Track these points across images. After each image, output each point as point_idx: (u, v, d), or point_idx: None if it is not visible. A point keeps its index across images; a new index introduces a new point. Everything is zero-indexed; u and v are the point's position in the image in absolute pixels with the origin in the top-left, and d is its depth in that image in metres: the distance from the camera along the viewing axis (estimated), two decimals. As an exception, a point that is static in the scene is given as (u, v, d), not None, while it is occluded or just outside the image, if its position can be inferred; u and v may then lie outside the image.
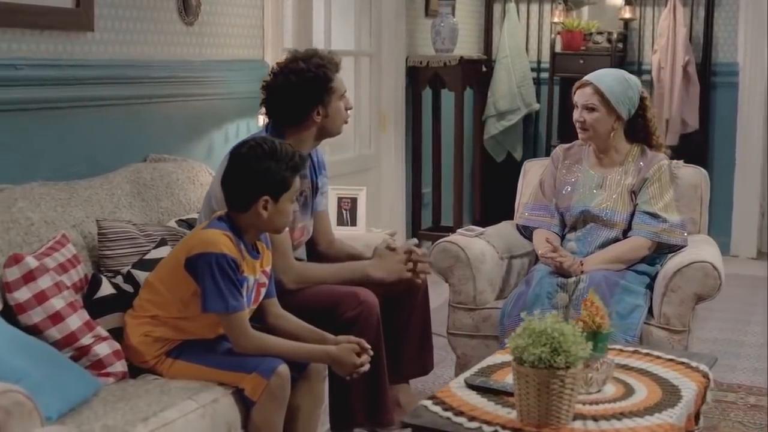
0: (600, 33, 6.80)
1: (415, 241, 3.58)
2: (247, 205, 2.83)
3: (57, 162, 3.41)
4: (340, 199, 4.45)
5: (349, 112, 3.44)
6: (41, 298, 2.72)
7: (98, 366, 2.76)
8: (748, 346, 4.88)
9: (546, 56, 7.10)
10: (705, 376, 2.92)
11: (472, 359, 3.57)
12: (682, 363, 2.98)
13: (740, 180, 6.89)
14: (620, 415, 2.52)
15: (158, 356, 2.86)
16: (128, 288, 3.03)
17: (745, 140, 6.85)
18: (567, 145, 4.05)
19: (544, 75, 7.11)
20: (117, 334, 2.91)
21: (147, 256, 3.14)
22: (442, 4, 6.19)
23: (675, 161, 4.08)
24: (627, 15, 6.88)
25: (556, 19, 6.95)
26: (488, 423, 2.47)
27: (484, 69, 6.87)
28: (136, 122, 3.82)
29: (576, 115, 3.83)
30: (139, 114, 3.84)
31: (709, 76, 6.82)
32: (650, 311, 3.64)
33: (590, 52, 6.75)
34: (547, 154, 4.27)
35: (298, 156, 2.88)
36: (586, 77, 3.82)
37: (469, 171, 6.82)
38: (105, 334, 2.85)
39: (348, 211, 4.45)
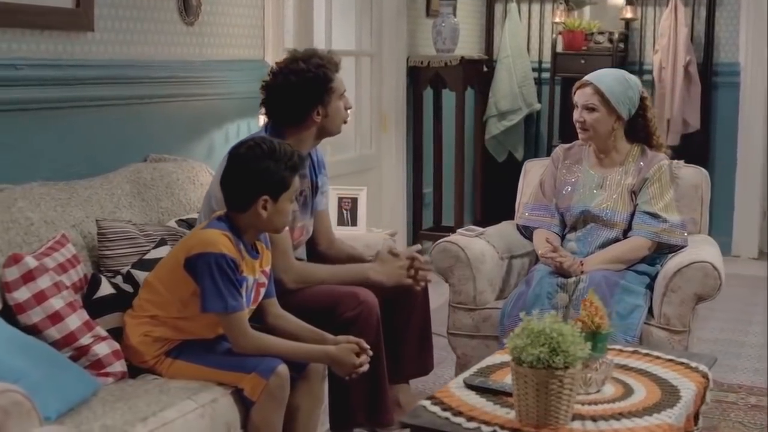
0: (601, 33, 6.80)
1: (419, 247, 3.57)
2: (246, 205, 2.83)
3: (57, 162, 3.41)
4: (340, 199, 4.45)
5: (348, 111, 3.44)
6: (40, 298, 2.72)
7: (97, 366, 2.76)
8: (749, 347, 4.88)
9: (547, 56, 7.10)
10: (704, 376, 2.92)
11: (473, 359, 3.57)
12: (682, 363, 2.98)
13: (741, 180, 6.89)
14: (619, 416, 2.52)
15: (158, 356, 2.86)
16: (128, 288, 3.03)
17: (747, 140, 6.85)
18: (567, 145, 4.04)
19: (546, 75, 7.10)
20: (116, 334, 2.91)
21: (147, 256, 3.14)
22: (443, 4, 6.19)
23: (675, 161, 4.07)
24: (628, 15, 6.87)
25: (557, 19, 6.95)
26: (487, 423, 2.47)
27: (485, 69, 6.86)
28: (136, 122, 3.82)
29: (576, 115, 3.83)
30: (140, 114, 3.85)
31: (711, 76, 6.81)
32: (650, 311, 3.63)
33: (591, 52, 6.75)
34: (549, 154, 4.27)
35: (297, 156, 2.88)
36: (586, 77, 3.82)
37: (470, 171, 6.82)
38: (104, 334, 2.85)
39: (348, 211, 4.45)
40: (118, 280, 3.05)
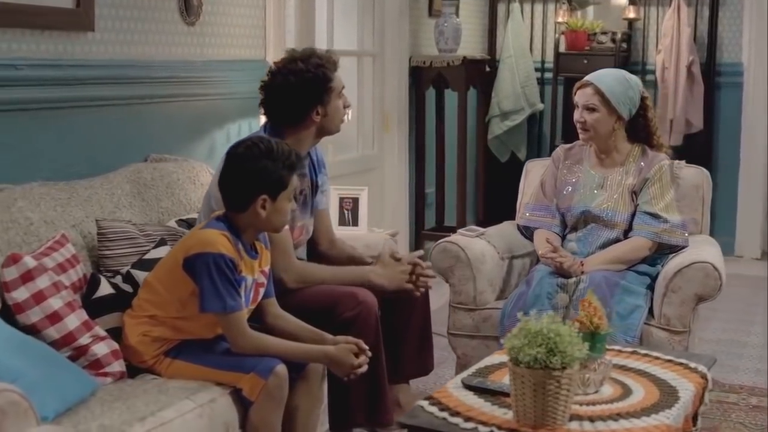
0: (604, 33, 6.79)
1: (421, 252, 3.57)
2: (245, 205, 2.83)
3: (57, 162, 3.41)
4: (341, 199, 4.45)
5: (347, 109, 3.44)
6: (39, 297, 2.72)
7: (96, 366, 2.76)
8: (751, 347, 4.87)
9: (550, 56, 7.10)
10: (703, 377, 2.91)
11: (473, 359, 3.56)
12: (681, 364, 2.98)
13: (744, 180, 6.88)
14: (617, 416, 2.52)
15: (156, 356, 2.86)
16: (127, 288, 3.03)
17: (750, 140, 6.84)
18: (568, 146, 4.04)
19: (548, 75, 7.11)
20: (116, 334, 2.91)
21: (146, 256, 3.14)
22: (445, 4, 6.18)
23: (677, 161, 4.07)
24: (631, 15, 6.87)
25: (560, 19, 6.94)
26: (484, 423, 2.47)
27: (487, 69, 6.86)
28: (136, 122, 3.82)
29: (577, 115, 3.82)
30: (140, 114, 3.85)
31: (714, 76, 6.81)
32: (651, 312, 3.63)
33: (594, 52, 6.74)
34: (551, 154, 4.26)
35: (295, 154, 2.88)
36: (587, 77, 3.82)
37: (472, 171, 6.82)
38: (103, 333, 2.85)
39: (350, 211, 4.45)
40: (118, 280, 3.06)
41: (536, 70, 7.12)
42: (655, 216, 3.74)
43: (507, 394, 2.55)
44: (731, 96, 6.85)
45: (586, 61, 6.56)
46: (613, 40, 6.74)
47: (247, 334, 2.82)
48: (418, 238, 6.30)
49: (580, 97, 3.80)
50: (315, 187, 3.50)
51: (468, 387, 2.71)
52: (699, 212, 4.07)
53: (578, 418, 2.49)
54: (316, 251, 3.60)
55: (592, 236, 3.81)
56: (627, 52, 6.91)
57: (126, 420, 2.46)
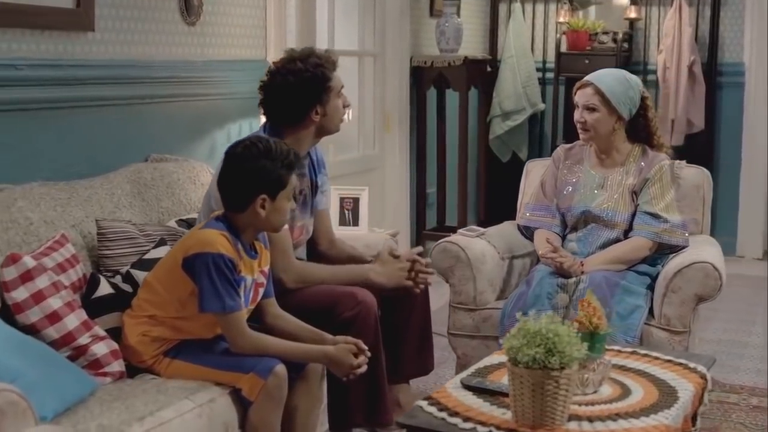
0: (605, 33, 6.79)
1: (420, 249, 3.56)
2: (244, 205, 2.83)
3: (57, 162, 3.42)
4: (342, 199, 4.45)
5: (347, 109, 3.44)
6: (38, 297, 2.73)
7: (95, 365, 2.76)
8: (752, 347, 4.87)
9: (551, 56, 7.09)
10: (703, 377, 2.91)
11: (473, 359, 3.56)
12: (680, 364, 2.98)
13: (746, 180, 6.87)
14: (616, 416, 2.52)
15: (156, 356, 2.87)
16: (127, 288, 3.03)
17: (751, 140, 6.83)
18: (568, 145, 4.04)
19: (550, 75, 7.10)
20: (115, 333, 2.91)
21: (146, 256, 3.14)
22: (446, 4, 6.18)
23: (677, 161, 4.07)
24: (632, 15, 6.87)
25: (561, 19, 6.94)
26: (483, 424, 2.46)
27: (488, 69, 6.86)
28: (137, 122, 3.83)
29: (577, 115, 3.82)
30: (141, 114, 3.85)
31: (715, 76, 6.80)
32: (651, 312, 3.63)
33: (596, 52, 6.74)
34: (552, 154, 4.26)
35: (293, 153, 2.88)
36: (587, 77, 3.82)
37: (473, 171, 6.81)
38: (102, 333, 2.85)
39: (350, 211, 4.45)
40: (117, 279, 3.06)
41: (537, 70, 7.11)
42: (655, 216, 3.74)
43: (506, 395, 2.55)
44: (733, 96, 6.84)
45: (587, 61, 6.55)
46: (615, 40, 6.74)
47: (247, 334, 2.82)
48: (419, 238, 6.30)
49: (581, 97, 3.80)
50: (315, 188, 3.51)
51: (467, 387, 2.71)
52: (699, 212, 4.07)
53: (577, 418, 2.49)
54: (315, 251, 3.60)
55: (593, 236, 3.81)
56: (628, 52, 6.90)
57: (125, 420, 2.46)
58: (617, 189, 3.81)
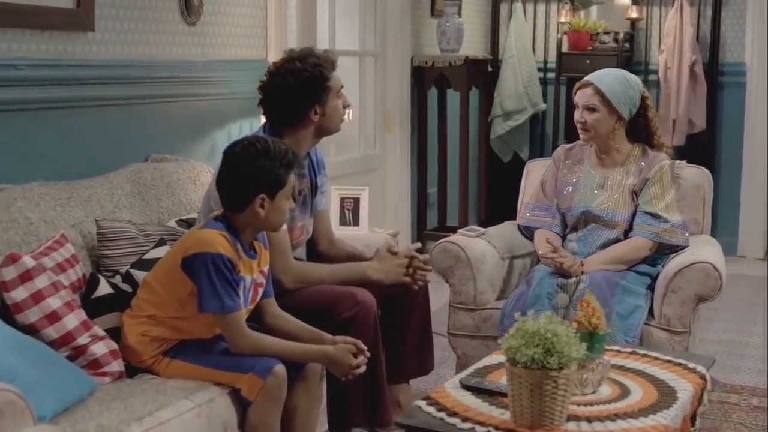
0: (606, 33, 6.79)
1: (418, 245, 3.56)
2: (243, 205, 2.83)
3: (57, 162, 3.42)
4: (342, 199, 4.45)
5: (347, 109, 3.44)
6: (38, 297, 2.73)
7: (95, 365, 2.77)
8: (753, 347, 4.86)
9: (552, 56, 7.09)
10: (702, 377, 2.91)
11: (473, 359, 3.56)
12: (680, 364, 2.97)
13: (747, 180, 6.87)
14: (614, 417, 2.52)
15: (155, 356, 2.87)
16: (126, 288, 3.03)
17: (753, 140, 6.83)
18: (569, 145, 4.04)
19: (551, 75, 7.10)
20: (115, 333, 2.92)
21: (146, 256, 3.14)
22: (447, 4, 6.18)
23: (678, 161, 4.07)
24: (634, 15, 6.86)
25: (562, 19, 6.94)
26: (481, 424, 2.46)
27: (489, 69, 6.85)
28: (137, 122, 3.83)
29: (577, 115, 3.82)
30: (141, 114, 3.85)
31: (716, 76, 6.80)
32: (651, 312, 3.62)
33: (597, 52, 6.74)
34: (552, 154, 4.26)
35: (291, 153, 2.89)
36: (587, 78, 3.81)
37: (474, 171, 6.81)
38: (102, 333, 2.85)
39: (350, 211, 4.45)
40: (117, 279, 3.06)
41: (539, 70, 7.11)
42: (655, 216, 3.73)
43: (505, 395, 2.54)
44: (734, 96, 6.83)
45: (588, 61, 6.55)
46: (616, 40, 6.74)
47: (246, 334, 2.82)
48: (420, 238, 6.28)
49: (580, 97, 3.80)
50: (314, 188, 3.51)
51: (466, 387, 2.71)
52: (700, 212, 4.07)
53: (576, 418, 2.49)
54: (315, 251, 3.60)
55: (593, 236, 3.80)
56: (629, 52, 6.90)
57: (124, 420, 2.46)
58: (617, 189, 3.81)
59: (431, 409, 2.57)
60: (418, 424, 2.52)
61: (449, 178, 6.45)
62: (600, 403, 2.62)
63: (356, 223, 4.44)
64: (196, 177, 3.76)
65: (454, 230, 4.75)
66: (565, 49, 6.90)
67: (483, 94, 6.81)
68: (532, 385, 2.37)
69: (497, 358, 2.95)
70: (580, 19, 6.93)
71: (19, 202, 2.99)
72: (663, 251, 3.77)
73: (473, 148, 6.61)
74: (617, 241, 3.77)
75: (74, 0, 3.45)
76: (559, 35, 6.97)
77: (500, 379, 2.74)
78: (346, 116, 3.50)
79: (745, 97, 6.83)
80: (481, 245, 3.87)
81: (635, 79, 3.82)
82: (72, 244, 3.00)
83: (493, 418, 2.50)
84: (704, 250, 3.74)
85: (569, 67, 6.79)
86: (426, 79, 6.19)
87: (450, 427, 2.47)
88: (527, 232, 4.04)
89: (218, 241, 2.77)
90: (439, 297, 4.40)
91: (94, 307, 2.93)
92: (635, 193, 3.79)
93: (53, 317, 2.74)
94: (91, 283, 2.99)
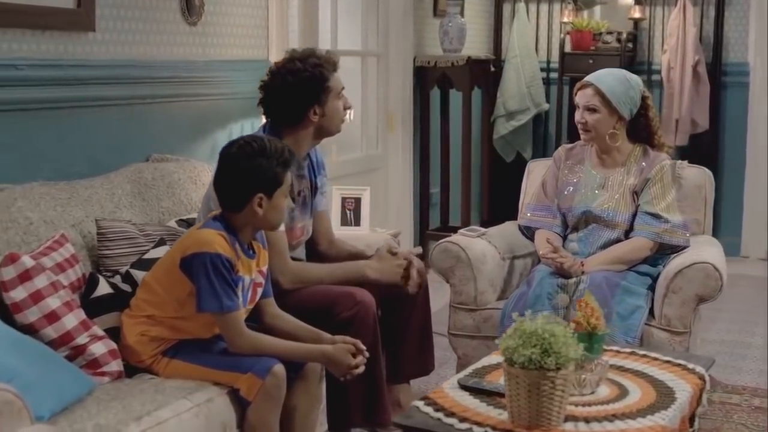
0: (609, 33, 6.79)
1: (419, 250, 3.56)
2: (241, 205, 2.84)
3: (58, 162, 3.42)
4: (343, 199, 4.45)
5: (347, 110, 3.44)
6: (37, 297, 2.73)
7: (94, 365, 2.77)
8: (755, 348, 4.86)
9: (555, 56, 7.09)
10: (701, 378, 2.90)
11: (473, 360, 3.54)
12: (679, 365, 2.97)
13: (751, 180, 6.85)
14: (612, 417, 2.51)
15: (154, 356, 2.87)
16: (126, 287, 3.04)
17: (756, 140, 6.81)
18: (569, 146, 4.04)
19: (554, 75, 7.10)
20: (114, 333, 2.92)
21: (146, 256, 3.15)
22: (450, 4, 6.18)
23: (679, 161, 4.07)
24: (637, 15, 6.85)
25: (565, 19, 6.94)
26: (479, 424, 2.46)
27: (492, 69, 6.85)
28: (138, 122, 3.83)
29: (578, 116, 3.82)
30: (142, 114, 3.86)
31: (720, 76, 6.79)
32: (652, 312, 3.62)
33: (600, 52, 6.74)
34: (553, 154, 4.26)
35: (288, 151, 2.89)
36: (587, 78, 3.81)
37: (477, 171, 6.82)
38: (101, 333, 2.86)
39: (352, 211, 4.45)
40: (117, 279, 3.06)
41: (542, 70, 7.11)
42: (656, 216, 3.73)
43: (503, 395, 2.54)
44: (737, 96, 6.83)
45: (591, 61, 6.55)
46: (619, 40, 6.73)
47: (245, 333, 2.82)
48: (422, 238, 6.30)
49: (581, 97, 3.79)
50: (314, 189, 3.51)
51: (464, 387, 2.71)
52: (701, 212, 4.06)
53: (573, 418, 2.48)
54: (315, 252, 3.61)
55: (593, 236, 3.80)
56: (632, 52, 6.89)
57: (122, 419, 2.46)
58: (618, 189, 3.80)
59: (429, 410, 2.57)
60: (415, 425, 2.52)
61: (452, 178, 6.45)
62: (598, 404, 2.61)
63: (357, 223, 4.44)
64: (197, 177, 3.77)
65: (456, 230, 4.75)
66: (568, 49, 6.90)
67: (486, 94, 6.81)
68: (529, 385, 2.37)
69: (496, 358, 2.94)
70: (583, 19, 6.93)
71: (19, 202, 3.00)
72: (664, 251, 3.77)
73: (476, 148, 6.61)
74: (618, 241, 3.77)
75: (75, 0, 3.45)
76: (562, 35, 6.97)
77: (499, 380, 2.73)
78: (346, 117, 3.51)
79: (748, 97, 6.82)
80: (482, 245, 3.87)
81: (636, 79, 3.81)
82: (72, 244, 3.00)
83: (490, 418, 2.50)
84: (705, 250, 3.73)
85: (572, 67, 6.79)
86: (428, 79, 6.19)
87: (447, 428, 2.47)
88: (528, 232, 4.03)
89: (217, 241, 2.77)
90: (439, 297, 4.40)
91: (94, 307, 2.93)
92: (636, 194, 3.78)
93: (52, 317, 2.74)
94: (91, 282, 2.99)
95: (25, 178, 3.18)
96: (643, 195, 3.77)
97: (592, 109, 3.76)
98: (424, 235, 6.30)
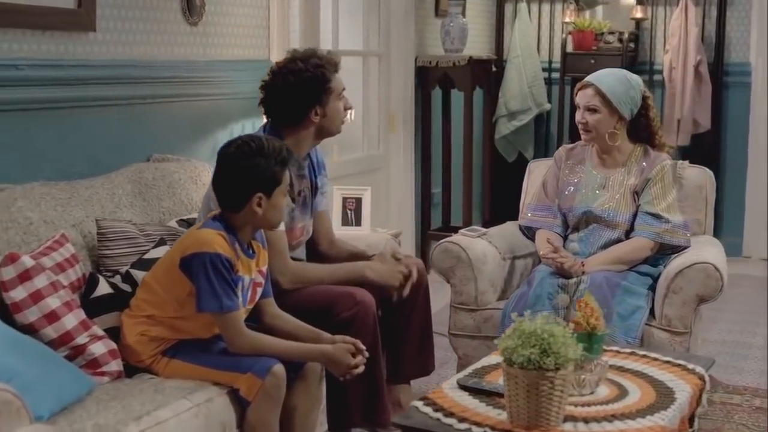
0: (611, 33, 6.78)
1: (421, 264, 3.55)
2: (240, 204, 2.84)
3: (59, 162, 3.42)
4: (344, 199, 4.45)
5: (348, 111, 3.44)
6: (37, 297, 2.73)
7: (93, 365, 2.77)
8: (756, 348, 4.85)
9: (557, 56, 7.08)
10: (701, 378, 2.90)
11: (474, 360, 3.54)
12: (679, 365, 2.97)
13: (752, 180, 6.84)
14: (611, 417, 2.51)
15: (154, 355, 2.87)
16: (126, 287, 3.04)
17: (758, 140, 6.80)
18: (570, 146, 4.04)
19: (556, 75, 7.09)
20: (114, 333, 2.92)
21: (146, 256, 3.15)
22: (451, 4, 6.18)
23: (680, 161, 4.07)
24: (638, 15, 6.85)
25: (567, 19, 6.93)
26: (478, 424, 2.46)
27: (494, 69, 6.85)
28: (139, 122, 3.83)
29: (578, 116, 3.82)
30: (142, 114, 3.86)
31: (721, 76, 6.78)
32: (652, 312, 3.62)
33: (601, 52, 6.73)
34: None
35: (286, 150, 2.89)
36: (587, 78, 3.81)
37: (478, 171, 6.81)
38: (101, 333, 2.86)
39: (352, 212, 4.45)
40: (117, 279, 3.06)
41: (543, 70, 7.11)
42: (656, 216, 3.73)
43: (502, 395, 2.54)
44: (739, 96, 6.82)
45: (593, 61, 6.54)
46: (621, 40, 6.73)
47: (244, 333, 2.82)
48: (424, 239, 6.30)
49: (581, 98, 3.80)
50: (315, 189, 3.51)
51: (463, 387, 2.71)
52: (702, 213, 4.06)
53: (572, 419, 2.48)
54: (316, 252, 3.60)
55: (594, 236, 3.80)
56: (634, 52, 6.89)
57: (121, 419, 2.46)
58: (619, 189, 3.80)
59: (428, 410, 2.57)
60: (414, 425, 2.52)
61: (453, 178, 6.45)
62: (597, 404, 2.61)
63: (358, 223, 4.43)
64: (198, 177, 3.77)
65: (457, 230, 4.75)
66: (569, 49, 6.89)
67: (487, 95, 6.80)
68: (528, 385, 2.36)
69: (496, 358, 2.93)
70: (584, 19, 6.93)
71: (19, 202, 3.00)
72: (664, 251, 3.77)
73: (477, 148, 6.61)
74: (618, 241, 3.77)
75: (75, 0, 3.45)
76: (564, 35, 6.97)
77: (498, 380, 2.73)
78: (347, 118, 3.50)
79: (750, 97, 6.81)
80: (483, 245, 3.87)
81: (636, 79, 3.81)
82: (72, 243, 3.00)
83: (489, 418, 2.50)
84: (706, 250, 3.73)
85: (574, 67, 6.78)
86: (430, 79, 6.19)
87: (446, 428, 2.47)
88: (528, 233, 4.03)
89: (216, 241, 2.78)
90: (440, 297, 4.40)
91: (94, 307, 2.94)
92: (636, 194, 3.78)
93: (52, 317, 2.74)
94: (91, 282, 2.99)
95: (25, 178, 3.18)
96: (643, 195, 3.76)
97: (592, 110, 3.76)
98: (425, 236, 6.30)
